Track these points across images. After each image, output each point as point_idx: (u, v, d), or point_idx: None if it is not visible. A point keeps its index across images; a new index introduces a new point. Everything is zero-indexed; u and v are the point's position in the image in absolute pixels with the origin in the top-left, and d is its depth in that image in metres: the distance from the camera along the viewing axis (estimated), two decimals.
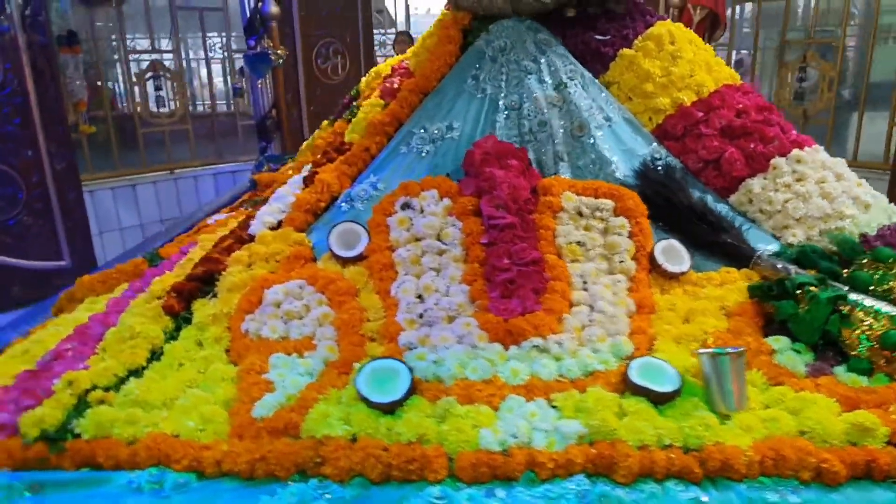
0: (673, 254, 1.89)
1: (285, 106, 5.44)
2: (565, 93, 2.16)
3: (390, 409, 1.46)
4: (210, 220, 3.28)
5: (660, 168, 2.09)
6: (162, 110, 5.82)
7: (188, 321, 1.78)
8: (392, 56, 7.37)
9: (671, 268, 1.87)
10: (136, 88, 5.64)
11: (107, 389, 1.55)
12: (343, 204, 2.05)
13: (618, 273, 1.82)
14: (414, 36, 6.81)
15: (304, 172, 2.31)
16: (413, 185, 1.94)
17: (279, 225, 2.05)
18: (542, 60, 2.20)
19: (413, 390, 1.49)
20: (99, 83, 6.08)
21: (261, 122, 5.25)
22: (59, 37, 4.92)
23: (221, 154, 6.34)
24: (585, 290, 1.77)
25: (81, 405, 1.51)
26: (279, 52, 4.97)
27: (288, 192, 2.16)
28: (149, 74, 5.67)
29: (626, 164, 2.09)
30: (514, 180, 1.88)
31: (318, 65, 6.18)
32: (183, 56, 5.96)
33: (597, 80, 2.24)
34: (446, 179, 1.95)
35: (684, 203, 1.99)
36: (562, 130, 2.11)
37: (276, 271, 1.87)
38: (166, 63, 5.80)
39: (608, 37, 2.30)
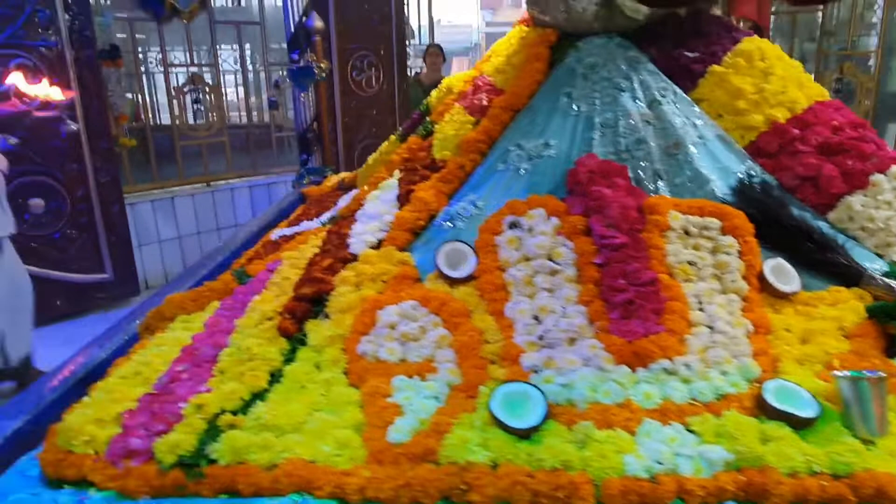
0: (782, 273, 1.88)
1: (332, 118, 5.45)
2: (659, 110, 2.15)
3: (527, 434, 1.45)
4: (273, 236, 3.28)
5: (756, 185, 2.08)
6: (199, 122, 5.84)
7: (302, 342, 1.77)
8: (422, 68, 7.41)
9: (782, 287, 1.85)
10: (175, 101, 5.66)
11: (234, 413, 1.54)
12: (444, 223, 2.04)
13: (730, 293, 1.80)
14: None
15: (390, 189, 2.30)
16: (519, 203, 1.93)
17: (379, 244, 2.04)
18: (634, 77, 2.20)
19: (548, 415, 1.48)
20: (129, 95, 6.12)
21: (302, 134, 5.26)
22: (101, 51, 4.94)
23: (256, 166, 6.36)
24: (701, 310, 1.75)
25: (212, 429, 1.50)
26: (322, 65, 4.98)
27: (384, 210, 2.15)
28: (187, 87, 5.70)
29: (723, 182, 2.08)
30: (622, 199, 1.86)
31: (352, 77, 6.20)
32: (220, 69, 5.97)
33: (688, 97, 2.23)
34: (553, 198, 1.94)
35: (789, 221, 1.97)
36: (657, 148, 2.10)
37: (383, 291, 1.86)
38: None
39: (697, 53, 2.29)
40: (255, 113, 6.93)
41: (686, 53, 2.29)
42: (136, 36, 5.72)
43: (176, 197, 5.65)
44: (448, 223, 2.03)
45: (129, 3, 5.58)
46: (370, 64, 6.29)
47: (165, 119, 6.71)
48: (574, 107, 2.16)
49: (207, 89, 5.76)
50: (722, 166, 2.12)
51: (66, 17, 4.44)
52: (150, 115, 5.86)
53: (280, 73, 6.71)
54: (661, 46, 2.31)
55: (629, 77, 2.19)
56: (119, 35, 5.69)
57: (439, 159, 2.24)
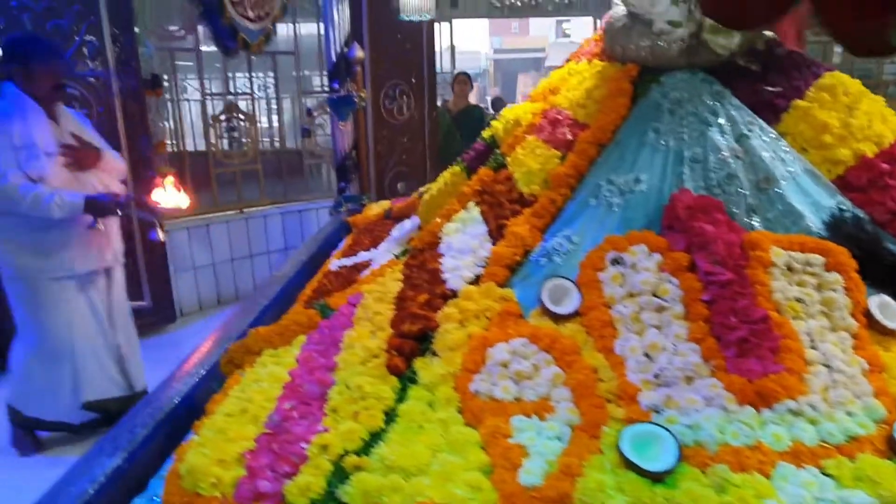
0: (888, 309, 1.86)
1: (365, 146, 5.48)
2: (747, 144, 2.15)
3: (661, 477, 1.42)
4: (332, 266, 3.29)
5: (849, 220, 2.07)
6: (234, 150, 5.87)
7: (412, 381, 1.75)
8: (448, 96, 7.47)
9: (890, 324, 1.83)
10: (212, 129, 5.71)
11: (357, 453, 1.52)
12: (540, 258, 2.03)
13: (840, 331, 1.78)
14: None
15: (475, 223, 2.30)
16: (620, 239, 1.93)
17: (476, 279, 2.03)
18: (721, 112, 2.20)
19: (680, 457, 1.46)
20: (162, 124, 6.16)
21: (341, 163, 5.29)
22: (143, 80, 4.99)
23: (288, 193, 6.39)
24: (814, 348, 1.73)
25: (338, 471, 1.48)
26: (362, 94, 5.03)
27: (476, 245, 2.14)
28: (223, 116, 5.75)
29: (815, 217, 2.08)
30: (725, 235, 1.86)
31: (385, 106, 6.26)
32: (255, 96, 6.03)
33: (773, 131, 2.24)
34: (652, 234, 1.94)
35: (887, 256, 1.96)
36: (748, 183, 2.10)
37: (488, 328, 1.85)
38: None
39: (779, 88, 2.30)
40: (287, 139, 6.98)
41: (768, 88, 2.30)
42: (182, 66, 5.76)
43: (211, 224, 5.67)
44: (544, 259, 2.02)
45: (167, 33, 5.68)
46: (402, 92, 6.35)
47: (197, 145, 6.77)
48: (662, 142, 2.16)
49: (242, 117, 5.82)
50: (813, 201, 2.12)
51: (114, 47, 4.50)
52: (185, 143, 5.88)
53: (313, 101, 6.77)
54: (743, 81, 2.32)
55: (716, 112, 2.20)
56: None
57: (527, 193, 2.24)
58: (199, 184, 5.69)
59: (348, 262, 3.23)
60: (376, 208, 4.63)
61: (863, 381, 1.66)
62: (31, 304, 3.04)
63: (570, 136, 2.31)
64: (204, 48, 5.53)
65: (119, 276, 3.40)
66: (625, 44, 2.39)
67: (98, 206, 2.85)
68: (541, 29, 25.49)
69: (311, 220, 6.37)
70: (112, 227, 3.22)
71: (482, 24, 22.25)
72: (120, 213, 2.80)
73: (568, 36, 25.00)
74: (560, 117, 2.46)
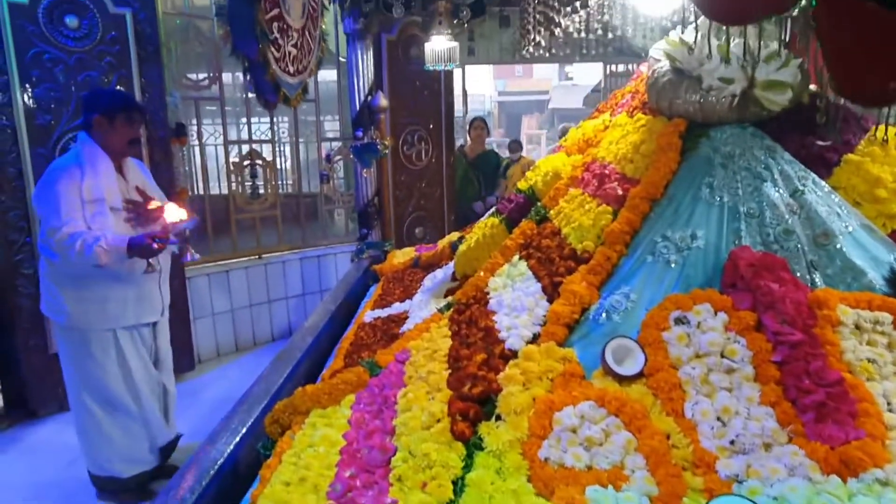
0: None
1: (387, 193, 5.50)
2: (802, 199, 2.14)
3: None
4: (367, 318, 3.25)
5: None
6: (255, 197, 5.89)
7: (478, 447, 1.70)
8: (466, 140, 7.52)
9: None
10: (233, 175, 5.73)
11: None
12: (599, 317, 1.99)
13: None
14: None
15: (525, 279, 2.27)
16: (683, 298, 1.89)
17: (534, 338, 1.99)
18: (774, 167, 2.19)
19: None
20: (184, 169, 6.20)
21: (363, 209, 5.30)
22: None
23: (306, 238, 6.39)
24: (891, 411, 1.68)
25: None
26: (386, 142, 5.06)
27: (531, 303, 2.11)
28: (245, 163, 5.78)
29: (875, 272, 2.04)
30: (793, 294, 1.83)
31: (403, 151, 6.30)
32: (276, 141, 6.08)
33: (826, 185, 2.22)
34: (715, 292, 1.91)
35: None
36: (806, 238, 2.08)
37: (552, 390, 1.80)
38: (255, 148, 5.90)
39: (829, 142, 2.29)
40: (304, 183, 7.01)
41: (818, 142, 2.30)
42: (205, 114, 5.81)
43: (230, 270, 5.65)
44: (603, 317, 1.99)
45: (192, 83, 5.75)
46: (420, 138, 6.40)
47: (218, 188, 6.79)
48: (717, 197, 2.15)
49: (262, 163, 5.85)
50: (871, 255, 2.09)
51: (143, 98, 4.55)
52: (208, 188, 5.91)
53: (328, 146, 6.82)
54: (792, 135, 2.32)
55: (769, 166, 2.19)
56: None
57: (580, 250, 2.21)
58: (219, 230, 5.70)
59: (382, 313, 3.19)
60: (401, 256, 4.61)
61: None
62: (82, 354, 3.01)
63: (620, 192, 2.30)
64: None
65: (165, 320, 3.42)
66: (672, 98, 2.40)
67: (141, 248, 2.80)
68: (544, 72, 25.92)
69: (329, 266, 6.36)
70: (164, 278, 3.26)
71: (487, 68, 22.64)
72: (156, 245, 2.76)
73: (571, 79, 25.42)
74: (607, 171, 2.45)
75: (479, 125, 7.20)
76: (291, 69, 3.23)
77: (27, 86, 4.11)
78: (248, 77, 3.05)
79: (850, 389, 1.69)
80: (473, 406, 1.77)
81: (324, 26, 4.04)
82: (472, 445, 1.70)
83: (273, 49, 2.96)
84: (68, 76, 4.22)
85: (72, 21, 4.23)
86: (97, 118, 2.92)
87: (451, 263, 3.37)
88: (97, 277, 2.89)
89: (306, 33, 3.55)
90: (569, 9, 2.29)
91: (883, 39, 0.85)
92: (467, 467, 1.65)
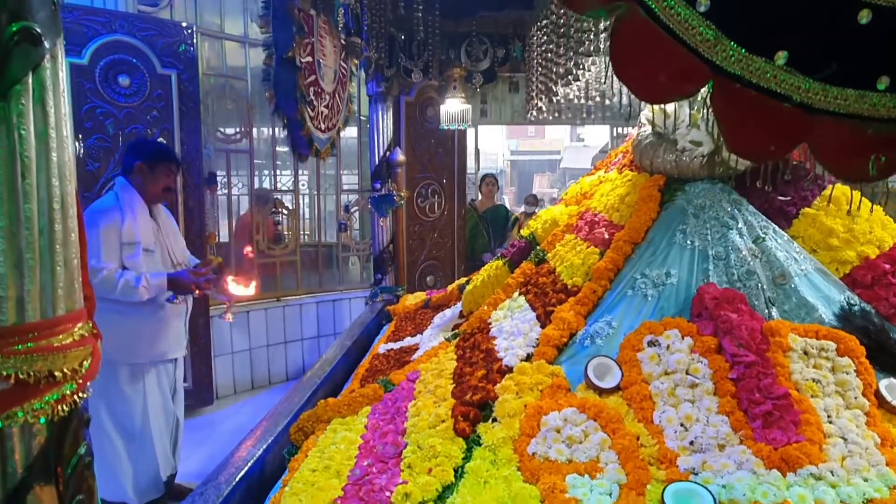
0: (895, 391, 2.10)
1: (402, 241, 5.87)
2: (763, 245, 2.47)
3: None
4: (381, 349, 3.55)
5: (857, 313, 2.34)
6: (278, 244, 6.26)
7: (476, 443, 1.99)
8: (477, 195, 7.94)
9: None
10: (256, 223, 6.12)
11: (433, 502, 1.75)
12: (585, 340, 2.31)
13: (854, 408, 2.02)
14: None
15: (522, 310, 2.60)
16: (655, 324, 2.21)
17: (528, 357, 2.31)
18: (739, 217, 2.53)
19: None
20: (215, 215, 6.60)
21: (379, 255, 5.66)
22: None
23: (323, 283, 6.72)
24: (831, 423, 1.97)
25: None
26: (402, 194, 5.46)
27: (527, 329, 2.43)
28: (270, 211, 6.19)
29: (827, 309, 2.35)
30: (748, 322, 2.14)
31: (417, 203, 6.69)
32: (300, 195, 6.51)
33: (786, 234, 2.55)
34: (683, 320, 2.22)
35: (892, 345, 2.22)
36: (766, 278, 2.40)
37: (541, 399, 2.10)
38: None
39: (789, 197, 2.64)
40: (322, 233, 7.40)
41: (779, 197, 2.64)
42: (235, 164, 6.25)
43: (251, 311, 5.99)
44: (588, 341, 2.30)
45: (225, 136, 6.23)
46: (434, 192, 6.81)
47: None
48: (689, 241, 2.48)
49: (286, 212, 6.27)
50: (824, 295, 2.40)
51: (182, 149, 5.00)
52: (232, 234, 6.30)
53: (349, 199, 7.26)
54: (756, 191, 2.67)
55: (734, 216, 2.53)
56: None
57: (571, 285, 2.54)
58: (242, 273, 6.06)
59: (395, 345, 3.51)
60: (412, 299, 4.94)
61: (876, 452, 1.88)
62: (110, 386, 3.15)
63: (607, 236, 2.64)
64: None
65: (181, 356, 3.63)
66: (653, 158, 2.77)
67: (179, 283, 3.07)
68: (556, 132, 26.65)
69: (343, 309, 6.69)
70: (185, 315, 3.48)
71: (500, 127, 23.38)
72: (198, 292, 3.08)
73: (582, 140, 26.10)
74: (597, 219, 2.80)
75: (491, 181, 7.63)
76: (323, 126, 3.65)
77: (80, 136, 4.56)
78: (286, 132, 3.46)
79: (795, 403, 1.99)
80: (473, 409, 2.07)
81: (351, 90, 4.50)
82: (472, 441, 2.00)
83: (309, 109, 3.38)
84: (117, 128, 4.68)
85: (124, 80, 4.71)
86: (139, 165, 3.17)
87: (460, 303, 3.69)
88: (130, 314, 3.06)
89: (336, 96, 3.99)
90: (564, 81, 2.68)
91: (764, 117, 1.21)
92: (467, 459, 1.94)
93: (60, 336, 1.17)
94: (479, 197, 7.77)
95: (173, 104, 4.92)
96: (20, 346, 1.10)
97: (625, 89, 3.71)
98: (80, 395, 1.19)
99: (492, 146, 23.78)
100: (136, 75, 4.76)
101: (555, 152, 26.67)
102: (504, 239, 7.51)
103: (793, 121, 1.20)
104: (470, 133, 10.30)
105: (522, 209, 7.63)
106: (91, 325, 1.26)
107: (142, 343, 3.19)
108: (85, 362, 1.20)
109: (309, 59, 3.38)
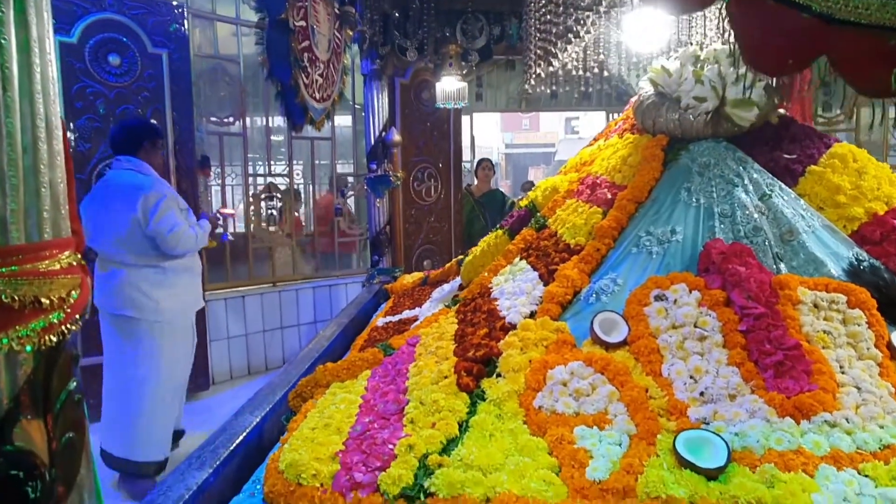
0: None
1: (399, 223, 5.81)
2: (770, 202, 2.42)
3: (715, 474, 1.59)
4: (379, 322, 3.49)
5: (866, 268, 2.30)
6: (272, 228, 6.20)
7: (481, 398, 1.94)
8: (473, 180, 7.89)
9: None
10: (252, 207, 6.06)
11: (439, 455, 1.69)
12: (590, 297, 2.26)
13: (867, 359, 1.97)
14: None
15: (525, 271, 2.54)
16: (662, 279, 2.16)
17: (532, 315, 2.25)
18: (744, 175, 2.48)
19: (730, 457, 1.62)
20: (209, 199, 6.52)
21: (375, 237, 5.60)
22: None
23: (319, 269, 6.65)
24: (843, 373, 1.92)
25: (423, 467, 1.65)
26: (398, 174, 5.40)
27: (529, 288, 2.37)
28: (264, 195, 6.12)
29: (836, 266, 2.30)
30: (756, 275, 2.09)
31: (414, 187, 6.63)
32: (294, 179, 6.44)
33: (792, 192, 2.50)
34: (690, 274, 2.17)
35: None
36: (773, 235, 2.35)
37: (546, 354, 2.05)
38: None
39: (795, 155, 2.59)
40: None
41: (785, 155, 2.59)
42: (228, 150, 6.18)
43: (246, 296, 5.92)
44: (593, 297, 2.25)
45: (218, 120, 6.15)
46: (430, 175, 6.74)
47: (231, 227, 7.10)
48: (694, 199, 2.43)
49: (280, 196, 6.19)
50: (832, 251, 2.35)
51: (174, 130, 4.92)
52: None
53: (345, 184, 7.19)
54: (762, 150, 2.62)
55: (740, 174, 2.48)
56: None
57: (574, 244, 2.49)
58: (236, 257, 5.99)
59: (394, 318, 3.45)
60: (410, 278, 4.89)
61: (891, 400, 1.83)
62: (167, 346, 3.32)
63: (609, 196, 2.59)
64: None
65: None
66: (655, 118, 2.72)
67: (212, 224, 3.53)
68: (551, 125, 26.59)
69: (339, 294, 6.62)
70: None
71: (495, 120, 23.31)
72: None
73: (577, 133, 26.07)
74: (598, 181, 2.74)
75: (487, 165, 7.56)
76: (318, 96, 3.59)
77: (70, 117, 4.48)
78: (280, 101, 3.40)
79: (806, 354, 1.94)
80: (477, 365, 2.02)
81: (346, 62, 4.44)
82: (476, 397, 1.95)
83: (303, 76, 3.32)
84: (108, 108, 4.60)
85: (114, 59, 4.63)
86: (147, 143, 3.40)
87: (459, 277, 3.64)
88: (178, 271, 3.35)
89: (331, 66, 3.93)
90: (564, 41, 2.62)
91: (782, 28, 1.16)
92: (471, 413, 1.89)
93: (46, 261, 1.11)
94: (476, 182, 7.71)
95: (165, 84, 4.84)
96: (4, 269, 1.04)
97: (624, 59, 3.65)
98: (69, 326, 1.13)
99: (487, 139, 23.71)
100: (127, 54, 4.67)
101: (549, 145, 26.61)
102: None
103: (812, 32, 1.15)
104: (465, 121, 10.25)
105: (521, 197, 7.57)
106: (79, 256, 1.19)
107: (189, 298, 3.47)
108: (73, 292, 1.14)
109: (302, 23, 3.32)
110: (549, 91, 4.07)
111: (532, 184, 7.99)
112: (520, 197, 7.59)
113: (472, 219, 7.33)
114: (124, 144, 3.41)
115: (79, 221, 1.23)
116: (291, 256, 6.27)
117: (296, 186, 6.70)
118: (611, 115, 9.38)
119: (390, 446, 1.71)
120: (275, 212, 6.16)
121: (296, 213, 6.61)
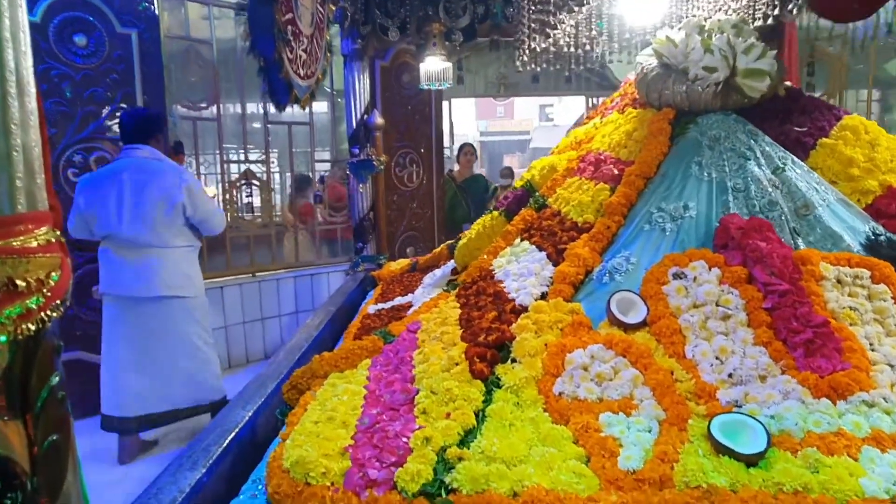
0: None
1: (382, 209, 5.65)
2: (783, 176, 2.33)
3: (754, 460, 1.49)
4: (370, 310, 3.35)
5: (884, 242, 2.22)
6: (249, 217, 6.00)
7: (496, 385, 1.81)
8: (454, 166, 7.75)
9: None
10: (228, 195, 5.84)
11: (457, 447, 1.57)
12: (603, 277, 2.14)
13: (894, 336, 1.89)
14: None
15: (529, 251, 2.42)
16: (679, 256, 2.05)
17: (543, 296, 2.13)
18: (756, 148, 2.39)
19: (770, 442, 1.52)
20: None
21: (359, 223, 5.43)
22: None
23: (299, 258, 6.47)
24: (874, 350, 1.84)
25: (441, 461, 1.52)
26: (382, 158, 5.24)
27: (538, 268, 2.25)
28: (240, 182, 5.91)
29: (853, 240, 2.22)
30: (779, 250, 1.99)
31: (395, 173, 6.47)
32: (271, 166, 6.23)
33: (805, 165, 2.42)
34: (709, 251, 2.07)
35: None
36: (788, 209, 2.26)
37: (563, 337, 1.93)
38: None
39: (805, 128, 2.50)
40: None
41: (795, 128, 2.50)
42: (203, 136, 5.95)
43: (224, 287, 5.72)
44: (606, 277, 2.14)
45: (192, 104, 5.91)
46: (412, 161, 6.59)
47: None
48: (705, 173, 2.33)
49: (257, 184, 5.98)
50: (848, 226, 2.27)
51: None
52: None
53: (325, 171, 6.99)
54: (772, 122, 2.53)
55: (751, 147, 2.38)
56: None
57: (581, 222, 2.37)
58: (213, 247, 5.78)
59: (386, 305, 3.31)
60: (396, 265, 4.74)
61: None
62: (203, 319, 3.52)
63: (616, 172, 2.47)
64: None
65: None
66: (661, 90, 2.60)
67: None
68: (526, 112, 26.52)
69: (321, 284, 6.44)
70: None
71: (469, 107, 23.15)
72: None
73: (551, 120, 26.06)
74: (602, 157, 2.63)
75: (469, 150, 7.43)
76: (302, 72, 3.42)
77: None
78: (262, 77, 3.23)
79: (835, 331, 1.85)
80: (490, 350, 1.89)
81: (328, 37, 4.26)
82: (490, 384, 1.82)
83: (287, 50, 3.15)
84: (75, 91, 4.35)
85: (80, 39, 4.38)
86: (158, 134, 3.58)
87: (451, 262, 3.51)
88: (197, 249, 3.56)
89: (314, 41, 3.75)
90: (566, 8, 2.50)
91: None
92: (487, 402, 1.76)
93: (21, 238, 0.95)
94: (457, 167, 7.57)
95: (135, 66, 4.60)
96: None
97: (615, 34, 3.53)
98: (49, 312, 0.98)
99: (461, 127, 23.55)
100: (94, 34, 4.42)
101: (524, 132, 26.55)
102: (484, 209, 7.32)
103: None
104: (444, 108, 10.10)
105: (502, 183, 7.47)
106: (58, 233, 1.04)
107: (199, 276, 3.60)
108: (53, 273, 0.99)
109: None
110: (531, 73, 3.95)
111: (510, 170, 7.88)
112: (499, 184, 7.48)
113: (455, 204, 7.20)
114: (137, 133, 3.46)
115: (55, 195, 1.08)
116: (271, 246, 6.08)
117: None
118: (590, 100, 9.30)
119: (404, 439, 1.58)
120: (251, 200, 5.96)
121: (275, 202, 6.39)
